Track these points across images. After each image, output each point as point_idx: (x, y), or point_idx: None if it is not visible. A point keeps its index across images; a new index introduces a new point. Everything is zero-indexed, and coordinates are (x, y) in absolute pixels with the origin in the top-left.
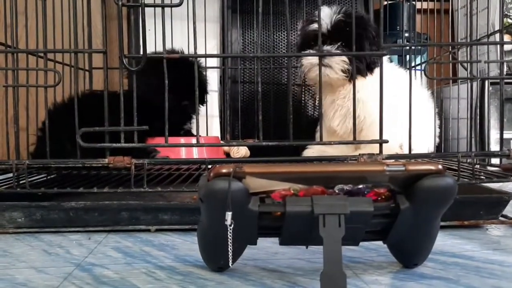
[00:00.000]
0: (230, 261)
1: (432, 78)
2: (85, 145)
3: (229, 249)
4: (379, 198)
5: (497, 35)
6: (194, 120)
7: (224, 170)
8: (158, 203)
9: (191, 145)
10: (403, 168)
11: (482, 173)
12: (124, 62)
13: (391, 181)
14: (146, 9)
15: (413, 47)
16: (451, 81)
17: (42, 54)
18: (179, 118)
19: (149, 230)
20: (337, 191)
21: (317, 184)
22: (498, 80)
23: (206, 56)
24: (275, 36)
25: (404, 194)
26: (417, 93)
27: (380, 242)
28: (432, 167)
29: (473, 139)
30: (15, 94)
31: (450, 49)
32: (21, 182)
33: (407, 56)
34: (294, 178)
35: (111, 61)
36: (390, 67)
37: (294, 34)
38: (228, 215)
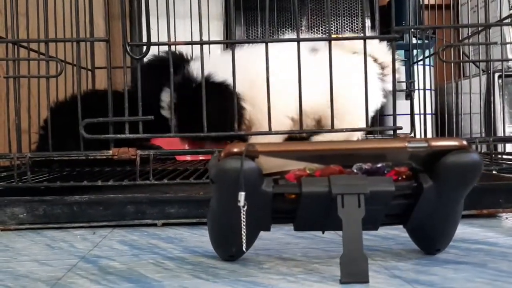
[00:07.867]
0: (244, 246)
1: (446, 61)
2: (89, 137)
3: (243, 232)
4: (400, 178)
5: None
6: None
7: (235, 149)
8: (164, 195)
9: (197, 135)
10: (426, 144)
11: (500, 160)
12: (128, 50)
13: (412, 159)
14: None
15: (421, 40)
16: (462, 76)
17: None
18: None
19: (155, 225)
20: (355, 171)
21: (334, 163)
22: (510, 73)
23: (210, 42)
24: (279, 32)
25: (426, 172)
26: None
27: (398, 231)
28: (456, 143)
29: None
30: (16, 86)
31: (460, 38)
32: (23, 178)
33: (414, 51)
34: (309, 157)
35: (114, 62)
36: None
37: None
38: (241, 195)
